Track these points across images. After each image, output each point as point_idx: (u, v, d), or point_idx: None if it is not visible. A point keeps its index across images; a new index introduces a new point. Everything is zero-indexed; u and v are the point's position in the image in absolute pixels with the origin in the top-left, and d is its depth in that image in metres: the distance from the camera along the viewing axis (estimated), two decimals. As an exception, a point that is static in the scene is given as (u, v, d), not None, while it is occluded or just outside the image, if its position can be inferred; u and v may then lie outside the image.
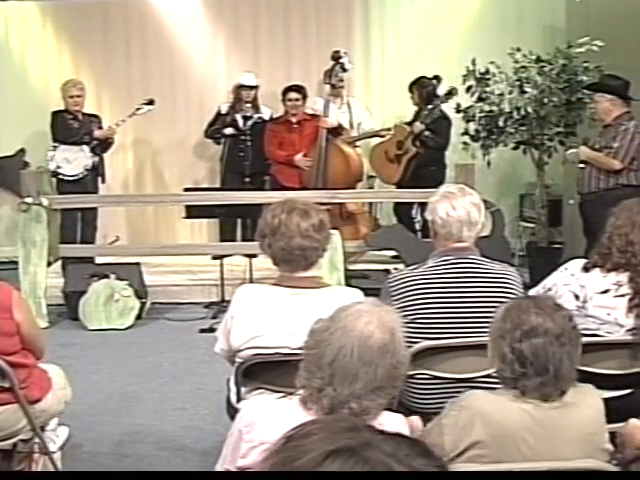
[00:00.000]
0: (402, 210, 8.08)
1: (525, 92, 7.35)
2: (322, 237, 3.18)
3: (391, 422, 2.22)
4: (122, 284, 6.75)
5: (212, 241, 8.85)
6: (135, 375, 5.57)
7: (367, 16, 9.08)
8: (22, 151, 8.69)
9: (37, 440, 3.64)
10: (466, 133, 7.70)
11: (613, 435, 2.76)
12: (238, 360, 3.19)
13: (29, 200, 6.71)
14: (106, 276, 6.79)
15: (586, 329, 3.42)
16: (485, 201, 3.66)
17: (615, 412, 2.85)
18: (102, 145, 7.89)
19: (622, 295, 3.39)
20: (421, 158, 7.79)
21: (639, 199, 3.67)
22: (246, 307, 3.18)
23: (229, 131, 8.13)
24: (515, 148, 7.71)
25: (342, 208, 7.77)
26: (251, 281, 6.63)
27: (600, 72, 7.09)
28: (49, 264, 6.93)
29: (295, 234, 3.11)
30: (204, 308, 7.07)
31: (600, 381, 3.23)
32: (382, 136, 8.19)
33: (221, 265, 7.06)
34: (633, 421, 2.64)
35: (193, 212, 7.42)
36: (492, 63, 7.50)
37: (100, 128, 7.89)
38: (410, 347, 2.79)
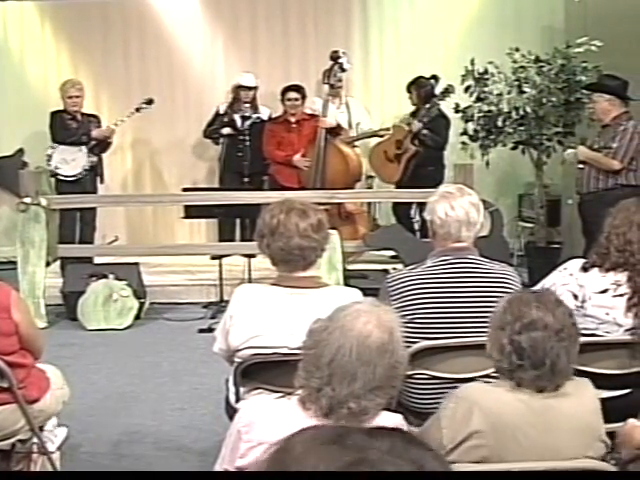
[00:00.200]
0: (401, 210, 8.08)
1: (524, 92, 7.35)
2: (321, 237, 3.18)
3: (390, 422, 2.22)
4: (121, 284, 6.75)
5: (211, 241, 8.85)
6: (134, 375, 5.57)
7: (366, 16, 9.09)
8: (21, 151, 8.68)
9: (35, 440, 3.63)
10: (465, 133, 7.71)
11: (612, 435, 2.76)
12: (237, 360, 3.19)
13: (28, 200, 6.71)
14: (105, 276, 6.79)
15: (585, 329, 3.42)
16: (484, 201, 3.66)
17: (614, 412, 2.85)
18: (101, 145, 7.88)
19: (621, 295, 3.39)
20: (420, 157, 7.80)
21: (637, 199, 3.67)
22: (245, 307, 3.18)
23: (227, 131, 8.13)
24: (514, 148, 7.71)
25: (341, 208, 7.77)
26: (250, 281, 6.63)
27: (599, 72, 7.10)
28: (48, 264, 6.93)
29: (294, 234, 3.11)
30: (203, 308, 7.07)
31: (599, 381, 3.22)
32: (381, 136, 8.20)
33: (220, 265, 7.06)
34: (631, 421, 2.64)
35: (192, 212, 7.42)
36: (491, 63, 7.51)
37: (99, 128, 7.88)
38: (409, 347, 2.78)
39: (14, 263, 6.92)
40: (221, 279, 7.02)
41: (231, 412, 3.22)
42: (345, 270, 6.68)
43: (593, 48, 7.15)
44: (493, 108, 7.49)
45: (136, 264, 7.07)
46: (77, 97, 7.84)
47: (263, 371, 3.14)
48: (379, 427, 1.34)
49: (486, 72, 7.52)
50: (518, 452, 2.36)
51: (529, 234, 8.37)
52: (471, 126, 7.66)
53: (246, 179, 7.99)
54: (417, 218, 7.74)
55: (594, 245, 3.61)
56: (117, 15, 9.05)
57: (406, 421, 2.37)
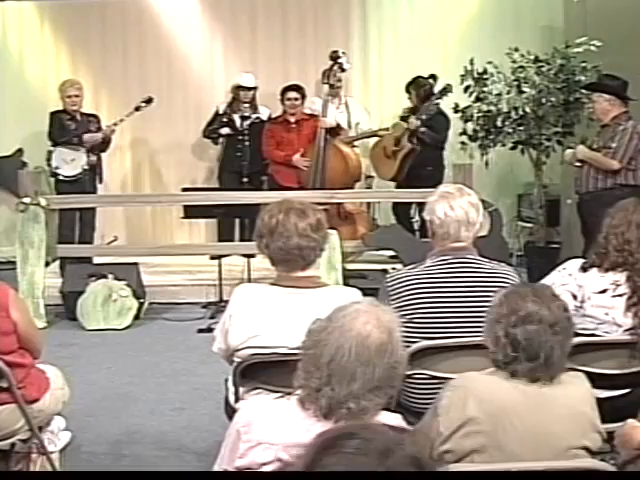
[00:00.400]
0: (400, 210, 8.08)
1: (523, 92, 7.35)
2: (320, 236, 3.18)
3: (389, 422, 2.22)
4: (120, 284, 6.75)
5: (210, 241, 8.85)
6: (133, 375, 5.57)
7: (365, 16, 9.08)
8: (20, 151, 8.68)
9: (35, 440, 3.63)
10: (464, 133, 7.71)
11: (610, 435, 2.76)
12: (236, 360, 3.19)
13: (27, 200, 6.71)
14: (104, 276, 6.78)
15: (584, 329, 3.42)
16: (483, 201, 3.66)
17: (613, 412, 2.86)
18: (100, 145, 7.88)
19: (620, 295, 3.39)
20: (419, 157, 7.80)
21: (635, 199, 3.67)
22: (244, 306, 3.18)
23: (225, 131, 8.13)
24: (513, 148, 7.72)
25: (340, 208, 7.78)
26: (249, 281, 6.62)
27: (598, 72, 7.10)
28: (47, 264, 6.93)
29: (293, 234, 3.11)
30: (202, 308, 7.06)
31: (598, 381, 3.23)
32: (380, 136, 8.21)
33: (219, 265, 7.06)
34: (630, 422, 2.64)
35: (191, 212, 7.42)
36: (490, 63, 7.51)
37: (99, 128, 7.87)
38: (408, 347, 2.79)
39: (13, 263, 6.91)
40: (220, 279, 7.02)
41: (230, 412, 3.23)
42: (344, 270, 6.68)
43: (592, 48, 7.15)
44: (492, 108, 7.49)
45: (135, 264, 7.07)
46: (76, 97, 7.83)
47: (262, 371, 3.13)
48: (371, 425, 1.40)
49: (485, 72, 7.52)
50: (515, 438, 2.38)
51: (528, 234, 8.37)
52: (470, 126, 7.66)
53: (245, 179, 7.98)
54: (417, 218, 7.74)
55: (593, 245, 3.61)
56: (116, 15, 9.05)
57: (405, 421, 2.37)
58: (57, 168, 7.70)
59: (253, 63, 8.86)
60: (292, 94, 7.97)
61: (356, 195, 7.89)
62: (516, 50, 7.50)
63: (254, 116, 8.09)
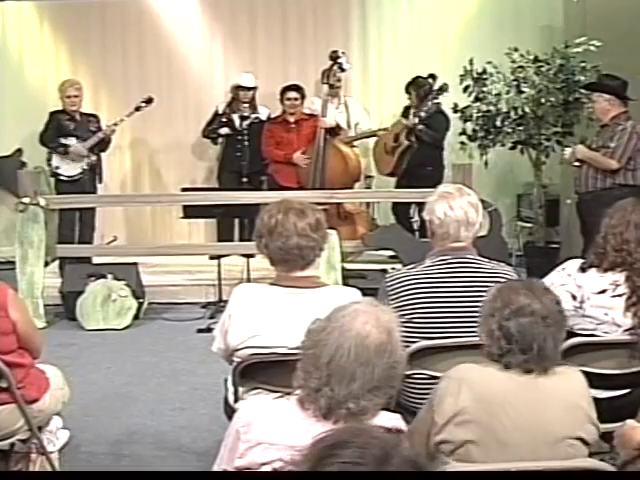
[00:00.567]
0: (400, 210, 8.08)
1: (522, 92, 7.36)
2: (319, 236, 3.18)
3: (389, 422, 2.22)
4: (119, 284, 6.75)
5: (209, 241, 8.85)
6: (132, 375, 5.57)
7: (365, 16, 9.08)
8: (19, 151, 8.67)
9: (35, 440, 3.63)
10: (463, 133, 7.72)
11: (610, 435, 2.76)
12: (236, 359, 3.19)
13: (26, 200, 6.71)
14: (103, 276, 6.78)
15: (583, 329, 3.43)
16: (482, 201, 3.66)
17: (612, 412, 2.86)
18: (100, 145, 7.87)
19: (619, 295, 3.39)
20: (418, 156, 7.80)
21: (633, 199, 3.67)
22: (244, 306, 3.18)
23: (224, 131, 8.13)
24: (512, 148, 7.72)
25: (340, 208, 7.78)
26: (248, 281, 6.62)
27: (597, 72, 7.11)
28: (46, 264, 6.92)
29: (292, 233, 3.11)
30: (201, 308, 7.06)
31: (598, 381, 3.23)
32: (379, 136, 8.21)
33: (218, 265, 7.05)
34: (629, 422, 2.64)
35: (190, 212, 7.41)
36: (489, 63, 7.51)
37: (98, 128, 7.86)
38: (407, 347, 2.79)
39: (13, 263, 6.91)
40: (220, 279, 7.02)
41: (230, 412, 3.23)
42: (344, 270, 6.68)
43: (592, 48, 7.16)
44: (492, 108, 7.50)
45: (135, 264, 7.06)
46: (75, 97, 7.82)
47: (262, 371, 3.13)
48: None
49: (485, 72, 7.52)
50: (509, 427, 2.41)
51: (528, 234, 8.37)
52: (470, 126, 7.67)
53: (244, 179, 7.99)
54: (416, 218, 7.74)
55: (592, 245, 3.61)
56: (116, 15, 9.04)
57: (405, 421, 2.37)
58: (57, 168, 7.70)
59: (253, 63, 8.85)
60: (292, 94, 7.97)
61: (355, 195, 7.89)
62: (515, 50, 7.50)
63: (253, 116, 8.09)
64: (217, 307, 6.76)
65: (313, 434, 1.65)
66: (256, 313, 3.14)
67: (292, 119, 7.99)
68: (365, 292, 3.04)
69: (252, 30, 9.08)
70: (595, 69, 7.18)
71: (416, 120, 7.69)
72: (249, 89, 8.14)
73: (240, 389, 3.26)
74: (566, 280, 3.49)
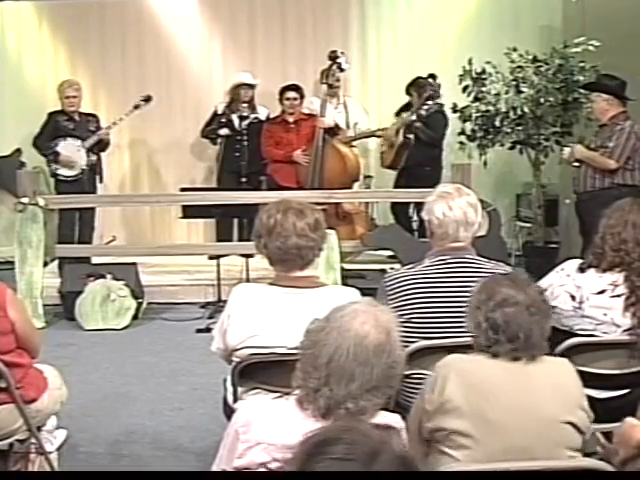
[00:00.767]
0: (399, 210, 8.09)
1: (521, 92, 7.36)
2: (318, 236, 3.18)
3: (388, 422, 2.22)
4: (118, 284, 6.75)
5: (208, 241, 8.85)
6: (131, 375, 5.57)
7: (364, 16, 9.09)
8: (18, 151, 8.67)
9: (33, 440, 3.63)
10: (462, 133, 7.72)
11: (610, 435, 2.76)
12: (235, 359, 3.19)
13: (25, 200, 6.71)
14: (102, 276, 6.78)
15: (583, 329, 3.42)
16: (481, 201, 3.66)
17: (612, 412, 2.86)
18: (99, 145, 7.87)
19: (618, 295, 3.39)
20: (416, 155, 7.81)
21: (631, 198, 3.67)
22: (243, 306, 3.18)
23: (224, 132, 8.12)
24: (511, 148, 7.72)
25: (338, 208, 7.78)
26: (248, 281, 6.62)
27: (596, 72, 7.11)
28: (45, 264, 6.92)
29: (291, 233, 3.11)
30: (200, 308, 7.07)
31: (597, 381, 3.24)
32: (378, 136, 8.23)
33: (217, 265, 7.05)
34: (629, 420, 2.64)
35: (189, 212, 7.41)
36: (488, 63, 7.52)
37: (97, 128, 7.86)
38: (406, 347, 2.79)
39: (12, 263, 6.91)
40: (219, 279, 7.02)
41: (229, 412, 3.23)
42: (343, 270, 6.69)
43: (591, 48, 7.16)
44: (491, 108, 7.50)
45: (134, 264, 7.06)
46: (74, 97, 7.81)
47: (261, 371, 3.13)
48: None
49: (484, 72, 7.53)
50: (499, 410, 2.44)
51: (527, 234, 8.38)
52: (469, 126, 7.67)
53: (244, 179, 7.98)
54: (415, 218, 7.75)
55: (591, 245, 3.61)
56: (115, 15, 9.05)
57: (404, 421, 2.38)
58: (57, 169, 7.69)
59: (252, 63, 8.86)
60: (291, 94, 7.97)
61: (354, 195, 7.89)
62: (514, 50, 7.51)
63: (252, 116, 8.09)
64: (216, 307, 6.76)
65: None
66: (255, 313, 3.14)
67: (291, 119, 7.99)
68: (364, 292, 3.04)
69: (251, 30, 9.09)
70: (594, 69, 7.19)
71: (413, 117, 7.71)
72: (250, 86, 8.13)
73: (239, 389, 3.25)
74: (565, 280, 3.49)
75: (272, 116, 8.18)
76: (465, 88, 7.58)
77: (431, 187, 3.76)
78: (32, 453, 3.70)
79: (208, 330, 5.91)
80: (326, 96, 8.02)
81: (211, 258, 7.42)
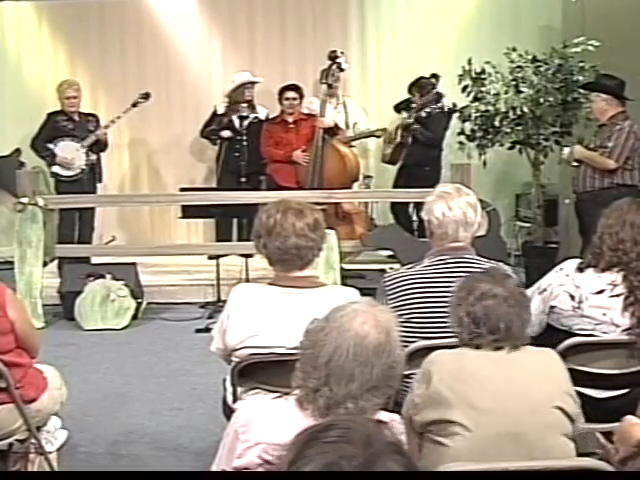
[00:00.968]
0: (399, 210, 8.09)
1: (521, 92, 7.35)
2: (317, 236, 3.18)
3: (387, 421, 2.22)
4: (118, 284, 6.75)
5: (208, 241, 8.85)
6: (131, 375, 5.57)
7: (363, 16, 9.09)
8: (18, 151, 8.67)
9: (33, 440, 3.63)
10: (462, 133, 7.71)
11: (609, 435, 2.76)
12: (234, 359, 3.19)
13: (25, 200, 6.71)
14: (102, 276, 6.79)
15: (582, 329, 3.42)
16: (481, 201, 3.66)
17: (611, 412, 2.86)
18: (98, 145, 7.87)
19: (617, 295, 3.39)
20: (415, 155, 7.84)
21: (629, 198, 3.67)
22: (242, 306, 3.18)
23: (227, 134, 8.11)
24: (511, 148, 7.72)
25: (338, 208, 7.78)
26: (247, 281, 6.62)
27: (596, 72, 7.10)
28: (45, 264, 6.92)
29: (290, 233, 3.11)
30: (200, 308, 7.07)
31: (597, 381, 3.24)
32: (378, 136, 8.24)
33: (217, 265, 7.06)
34: (628, 418, 2.64)
35: (189, 212, 7.41)
36: (488, 63, 7.51)
37: (97, 127, 7.85)
38: (406, 347, 2.79)
39: (11, 263, 6.91)
40: (218, 279, 7.02)
41: (228, 412, 3.22)
42: (342, 270, 6.69)
43: (590, 48, 7.15)
44: (490, 108, 7.49)
45: (133, 264, 7.06)
46: (74, 97, 7.81)
47: (260, 371, 3.13)
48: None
49: (483, 72, 7.52)
50: (485, 398, 2.49)
51: (526, 234, 8.37)
52: (468, 126, 7.66)
53: (243, 179, 7.98)
54: (415, 218, 7.75)
55: (589, 245, 3.61)
56: (114, 15, 9.05)
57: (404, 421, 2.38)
58: (56, 169, 7.68)
59: (251, 63, 8.86)
60: (290, 94, 7.97)
61: (354, 195, 7.89)
62: (514, 50, 7.50)
63: (252, 116, 8.09)
64: (216, 307, 6.76)
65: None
66: (255, 313, 3.14)
67: (291, 119, 7.99)
68: (363, 292, 3.04)
69: (251, 30, 9.09)
70: (593, 69, 7.18)
71: (411, 120, 7.71)
72: (253, 84, 8.14)
73: (239, 389, 3.25)
74: (564, 280, 3.49)
75: (272, 116, 8.18)
76: (465, 88, 7.57)
77: (430, 187, 3.76)
78: (32, 453, 3.69)
79: (207, 330, 5.91)
80: (325, 96, 8.02)
81: (211, 258, 7.42)
